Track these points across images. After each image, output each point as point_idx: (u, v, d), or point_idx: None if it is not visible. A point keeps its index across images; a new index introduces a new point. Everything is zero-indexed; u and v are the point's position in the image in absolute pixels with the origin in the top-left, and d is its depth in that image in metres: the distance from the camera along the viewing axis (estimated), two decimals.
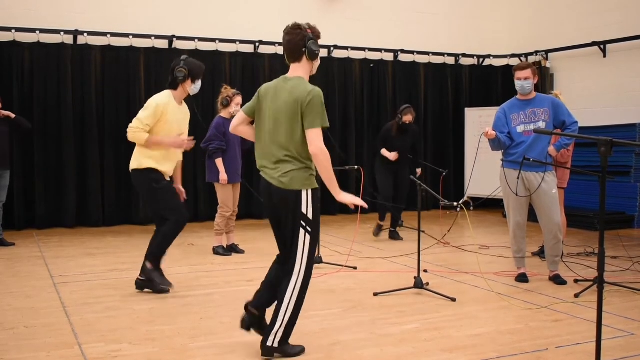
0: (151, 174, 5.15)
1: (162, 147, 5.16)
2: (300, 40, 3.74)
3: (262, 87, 3.90)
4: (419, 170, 8.20)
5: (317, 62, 3.85)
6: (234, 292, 5.36)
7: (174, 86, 5.22)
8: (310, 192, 3.70)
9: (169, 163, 5.28)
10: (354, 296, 5.22)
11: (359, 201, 3.75)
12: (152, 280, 5.20)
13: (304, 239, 3.70)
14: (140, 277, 5.31)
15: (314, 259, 3.79)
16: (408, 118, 7.84)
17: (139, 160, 5.18)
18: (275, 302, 3.76)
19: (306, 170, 3.71)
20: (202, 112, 7.95)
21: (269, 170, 3.74)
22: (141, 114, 5.14)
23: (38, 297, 5.16)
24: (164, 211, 5.21)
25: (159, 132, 5.14)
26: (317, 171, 3.74)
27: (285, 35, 3.78)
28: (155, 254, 5.20)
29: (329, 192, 3.71)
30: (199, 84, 5.26)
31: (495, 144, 5.65)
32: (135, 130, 5.09)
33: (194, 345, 3.99)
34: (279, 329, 3.69)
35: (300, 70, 3.78)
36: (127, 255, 7.01)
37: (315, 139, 3.62)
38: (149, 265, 5.18)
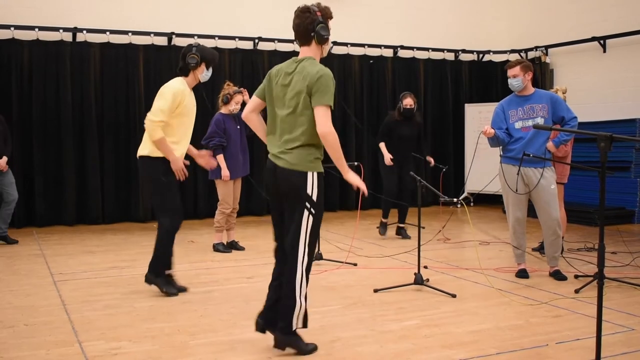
0: (161, 165, 4.94)
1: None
2: (309, 24, 3.70)
3: (272, 69, 3.86)
4: (430, 159, 7.87)
5: (328, 45, 3.82)
6: (234, 289, 5.36)
7: (185, 72, 5.06)
8: (315, 175, 3.66)
9: (181, 148, 5.06)
10: (354, 293, 5.22)
11: (363, 186, 3.74)
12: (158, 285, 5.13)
13: (307, 221, 3.64)
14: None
15: (316, 243, 3.74)
16: (408, 102, 7.63)
17: (151, 147, 4.95)
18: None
19: (313, 152, 3.67)
20: (202, 109, 7.93)
21: (276, 150, 3.71)
22: (162, 104, 4.84)
23: (38, 295, 5.15)
24: (158, 208, 5.08)
25: (175, 120, 4.93)
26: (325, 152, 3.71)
27: (295, 18, 3.74)
28: (155, 264, 5.09)
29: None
30: (210, 71, 5.13)
31: (493, 141, 5.64)
32: (158, 124, 4.80)
33: (194, 343, 3.98)
34: (299, 312, 3.66)
35: (310, 53, 3.75)
36: (127, 252, 7.02)
37: (323, 119, 3.56)
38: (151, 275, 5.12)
